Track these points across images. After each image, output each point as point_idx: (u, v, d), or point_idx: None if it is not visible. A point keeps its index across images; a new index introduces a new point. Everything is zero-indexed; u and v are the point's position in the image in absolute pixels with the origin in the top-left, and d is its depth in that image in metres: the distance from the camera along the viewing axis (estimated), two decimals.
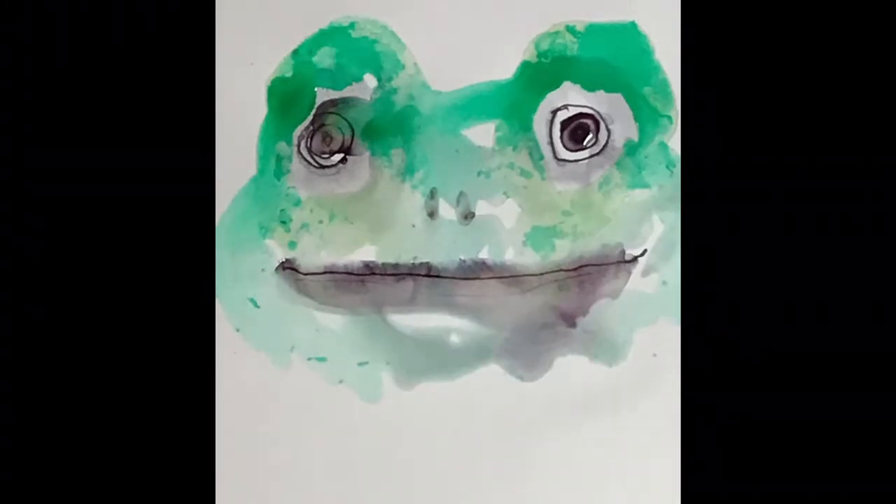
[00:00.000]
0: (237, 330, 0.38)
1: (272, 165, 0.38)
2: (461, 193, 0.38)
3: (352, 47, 0.38)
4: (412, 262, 0.38)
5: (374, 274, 0.38)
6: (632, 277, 0.37)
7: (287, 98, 0.38)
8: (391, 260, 0.38)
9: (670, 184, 0.38)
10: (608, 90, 0.37)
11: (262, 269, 0.38)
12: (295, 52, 0.38)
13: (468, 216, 0.38)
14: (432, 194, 0.38)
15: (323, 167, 0.38)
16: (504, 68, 0.37)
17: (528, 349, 0.38)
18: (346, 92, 0.38)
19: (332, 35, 0.38)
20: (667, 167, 0.38)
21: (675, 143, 0.38)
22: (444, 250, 0.38)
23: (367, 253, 0.38)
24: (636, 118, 0.37)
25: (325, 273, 0.39)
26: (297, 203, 0.39)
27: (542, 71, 0.37)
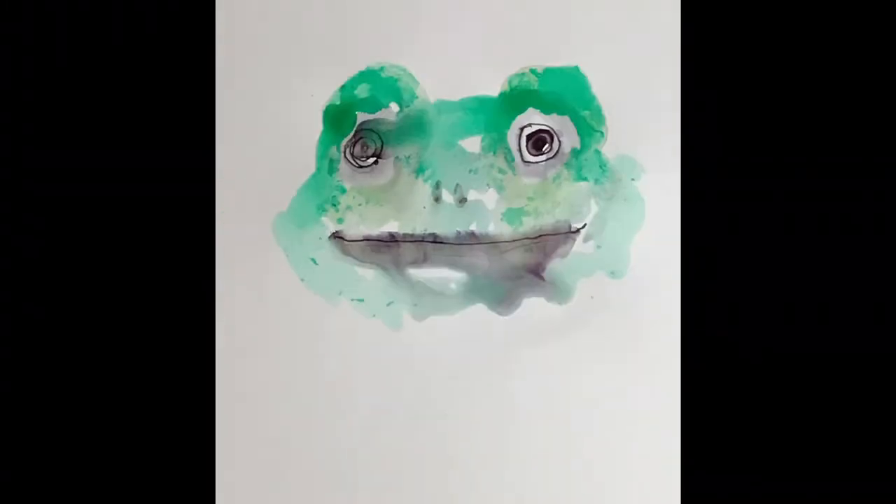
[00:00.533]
0: (302, 280, 0.45)
1: (326, 165, 0.45)
2: (457, 185, 0.45)
3: (381, 84, 0.45)
4: (423, 232, 0.45)
5: (396, 241, 0.45)
6: (576, 243, 0.45)
7: (336, 119, 0.45)
8: (409, 231, 0.45)
9: (603, 178, 0.44)
10: (559, 113, 0.44)
11: (320, 238, 0.45)
12: (342, 87, 0.45)
13: (462, 201, 0.45)
14: (437, 185, 0.45)
15: (361, 167, 0.45)
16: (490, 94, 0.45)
17: (503, 293, 0.45)
18: (378, 115, 0.45)
19: (368, 75, 0.45)
20: (600, 167, 0.44)
21: (606, 149, 0.44)
22: (445, 224, 0.45)
23: (391, 226, 0.45)
24: (578, 133, 0.44)
25: (363, 240, 0.45)
26: (343, 192, 0.45)
27: (514, 99, 0.44)
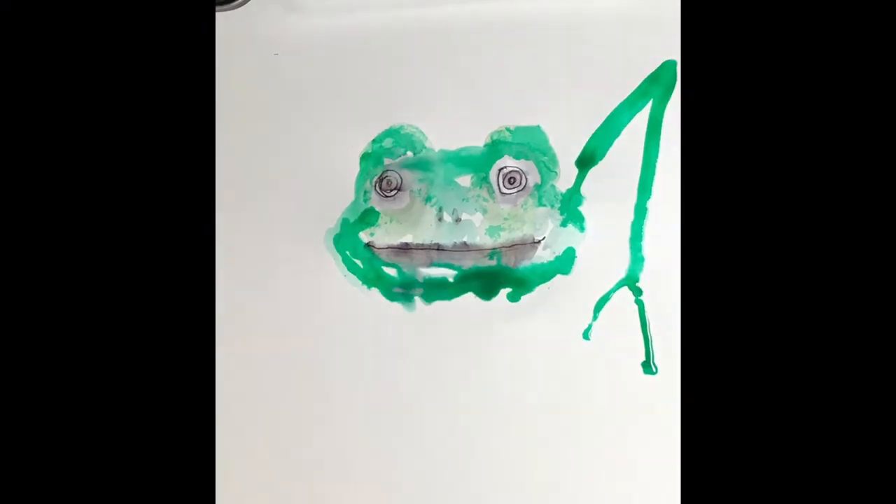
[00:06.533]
0: (344, 276, 0.50)
1: (362, 195, 0.50)
2: (454, 209, 0.49)
3: (401, 138, 0.50)
4: (430, 243, 0.49)
5: (410, 248, 0.50)
6: (537, 251, 0.49)
7: (369, 162, 0.50)
8: (420, 242, 0.50)
9: (557, 204, 0.48)
10: (526, 159, 0.49)
11: (357, 246, 0.50)
12: (373, 140, 0.50)
13: (458, 220, 0.49)
14: (440, 210, 0.49)
15: (387, 196, 0.50)
16: (477, 145, 0.49)
17: (486, 285, 0.50)
18: (398, 160, 0.50)
19: (392, 132, 0.50)
20: (554, 196, 0.48)
21: (559, 184, 0.48)
22: (446, 237, 0.49)
23: (407, 238, 0.50)
24: (539, 173, 0.49)
25: (388, 248, 0.50)
26: (374, 214, 0.50)
27: (494, 149, 0.49)
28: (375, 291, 0.51)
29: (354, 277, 0.51)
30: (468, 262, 0.49)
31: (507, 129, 0.49)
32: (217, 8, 0.48)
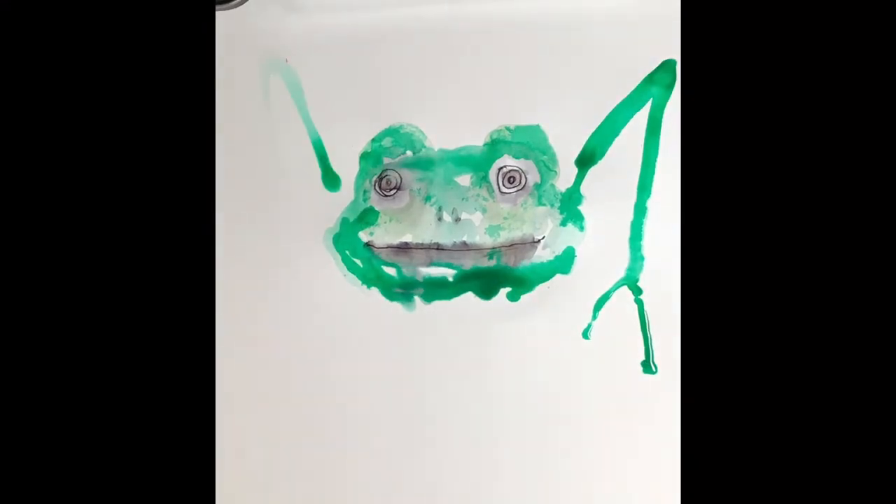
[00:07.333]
0: (344, 276, 0.51)
1: (362, 195, 0.51)
2: (454, 208, 0.50)
3: (400, 137, 0.50)
4: (430, 242, 0.50)
5: (410, 248, 0.50)
6: (537, 251, 0.50)
7: (369, 161, 0.50)
8: (420, 241, 0.50)
9: (556, 203, 0.49)
10: (526, 158, 0.49)
11: (357, 246, 0.50)
12: (373, 139, 0.50)
13: (457, 220, 0.50)
14: (440, 209, 0.50)
15: (386, 196, 0.50)
16: (477, 144, 0.49)
17: (485, 285, 0.50)
18: (397, 159, 0.50)
19: (391, 131, 0.50)
20: (553, 196, 0.49)
21: (559, 183, 0.48)
22: (445, 236, 0.50)
23: (407, 237, 0.50)
24: (539, 172, 0.49)
25: (387, 247, 0.50)
26: (374, 213, 0.50)
27: (494, 148, 0.49)
28: (375, 291, 0.51)
29: (354, 277, 0.51)
30: (468, 262, 0.50)
31: (507, 129, 0.49)
32: (217, 7, 0.49)
